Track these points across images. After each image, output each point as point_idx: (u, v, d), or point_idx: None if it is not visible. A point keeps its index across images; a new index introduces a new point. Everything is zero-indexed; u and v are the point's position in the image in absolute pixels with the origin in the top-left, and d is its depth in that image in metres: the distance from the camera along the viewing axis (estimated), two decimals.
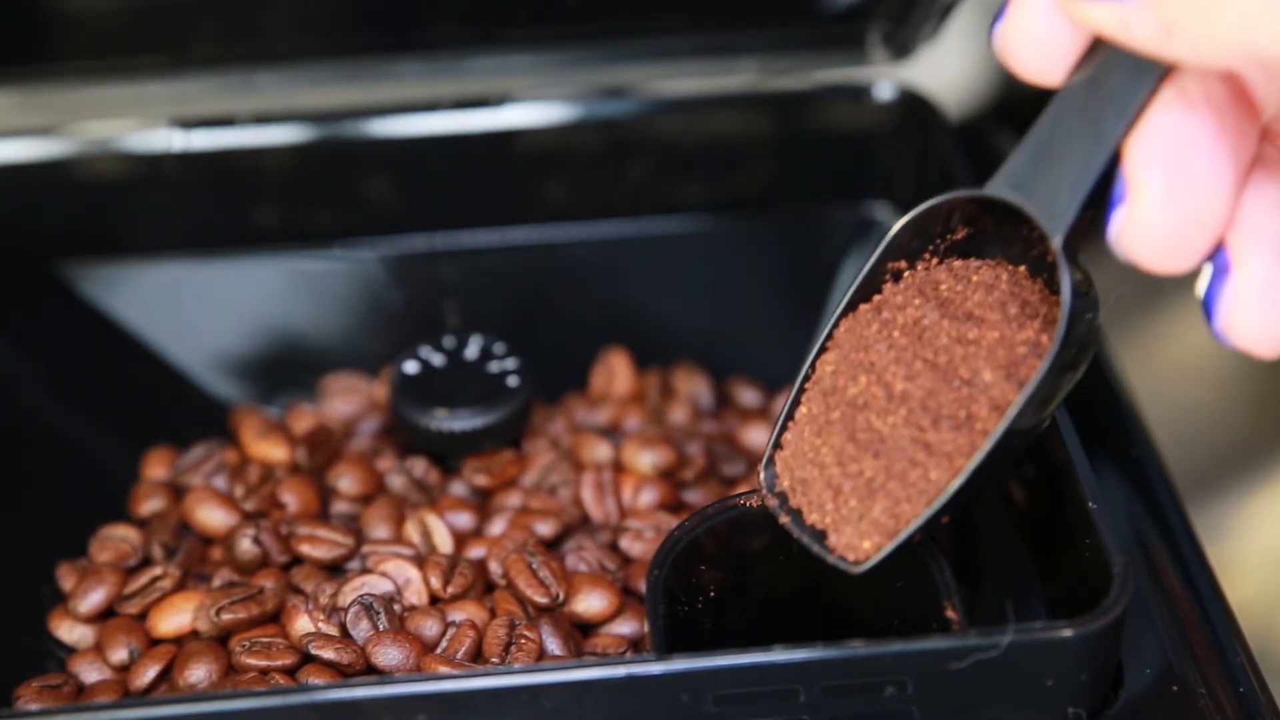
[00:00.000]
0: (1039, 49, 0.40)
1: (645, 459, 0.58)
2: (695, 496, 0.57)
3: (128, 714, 0.44)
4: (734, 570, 0.49)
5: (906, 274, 0.47)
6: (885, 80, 0.65)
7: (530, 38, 0.64)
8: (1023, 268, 0.46)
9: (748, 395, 0.62)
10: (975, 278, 0.46)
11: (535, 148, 0.65)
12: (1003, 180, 0.43)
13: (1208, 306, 0.40)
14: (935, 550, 0.47)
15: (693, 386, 0.63)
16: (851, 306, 0.47)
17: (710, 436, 0.60)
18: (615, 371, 0.62)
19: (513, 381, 0.58)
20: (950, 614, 0.46)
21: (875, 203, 0.66)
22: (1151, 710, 0.46)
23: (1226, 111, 0.39)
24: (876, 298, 0.47)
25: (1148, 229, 0.39)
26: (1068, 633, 0.43)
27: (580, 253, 0.66)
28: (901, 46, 0.64)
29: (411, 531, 0.55)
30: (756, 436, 0.60)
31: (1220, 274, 0.40)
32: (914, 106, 0.64)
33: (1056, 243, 0.42)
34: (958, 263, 0.47)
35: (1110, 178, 0.41)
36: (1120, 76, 0.40)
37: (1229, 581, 0.50)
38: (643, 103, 0.66)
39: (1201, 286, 0.40)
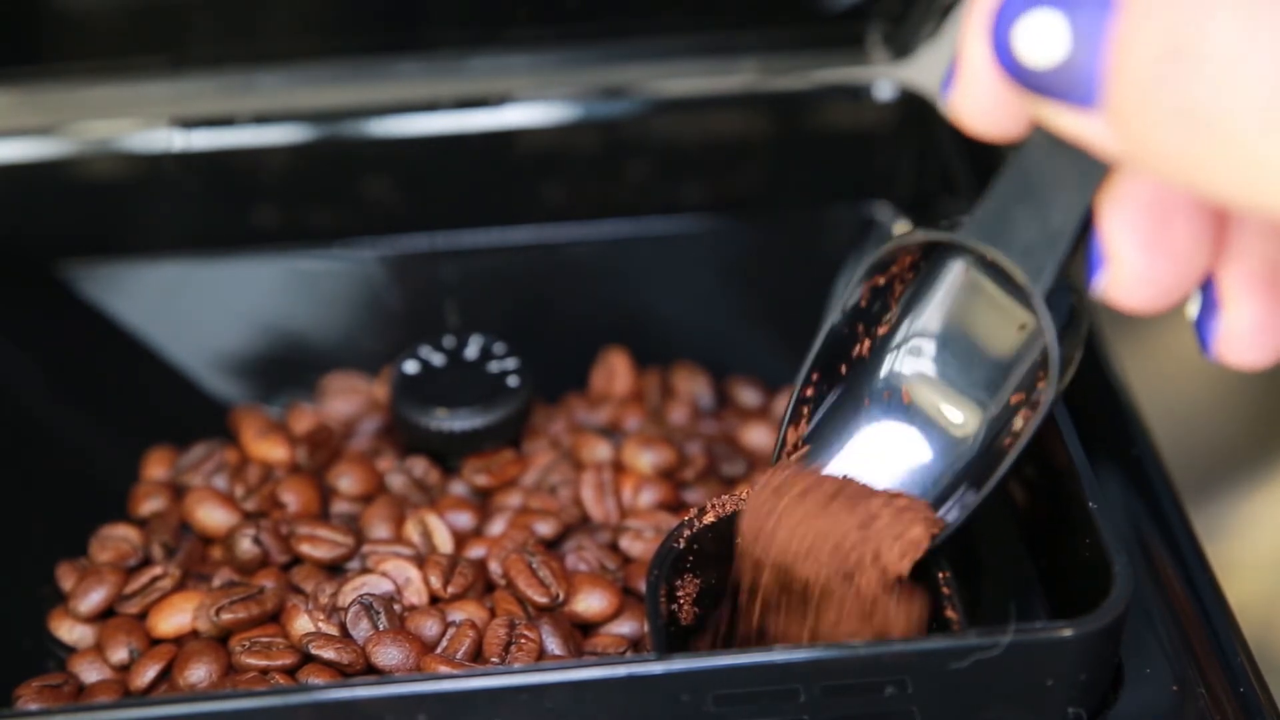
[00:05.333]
0: (992, 118, 0.38)
1: (645, 459, 0.58)
2: (695, 496, 0.57)
3: (128, 714, 0.44)
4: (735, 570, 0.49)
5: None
6: (885, 80, 0.65)
7: (530, 38, 0.64)
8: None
9: (748, 395, 0.62)
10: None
11: (535, 148, 0.65)
12: (977, 227, 0.42)
13: (1201, 335, 0.40)
14: (935, 550, 0.47)
15: (693, 386, 0.63)
16: (845, 311, 0.47)
17: (710, 436, 0.60)
18: (615, 371, 0.62)
19: (513, 381, 0.58)
20: (950, 614, 0.46)
21: (875, 203, 0.66)
22: (1151, 710, 0.46)
23: None
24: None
25: (1130, 291, 0.38)
26: (1068, 633, 0.43)
27: (580, 253, 0.66)
28: (901, 46, 0.64)
29: (412, 531, 0.55)
30: (757, 436, 0.60)
31: (1211, 308, 0.39)
32: (914, 106, 0.64)
33: (1038, 299, 0.42)
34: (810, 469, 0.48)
35: (1088, 226, 0.40)
36: None
37: (1229, 581, 0.50)
38: (643, 103, 0.66)
39: (1192, 312, 0.40)
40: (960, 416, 0.48)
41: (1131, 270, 0.38)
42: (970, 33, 0.37)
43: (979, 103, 0.38)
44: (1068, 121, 0.36)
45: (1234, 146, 0.33)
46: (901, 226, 0.65)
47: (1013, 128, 0.39)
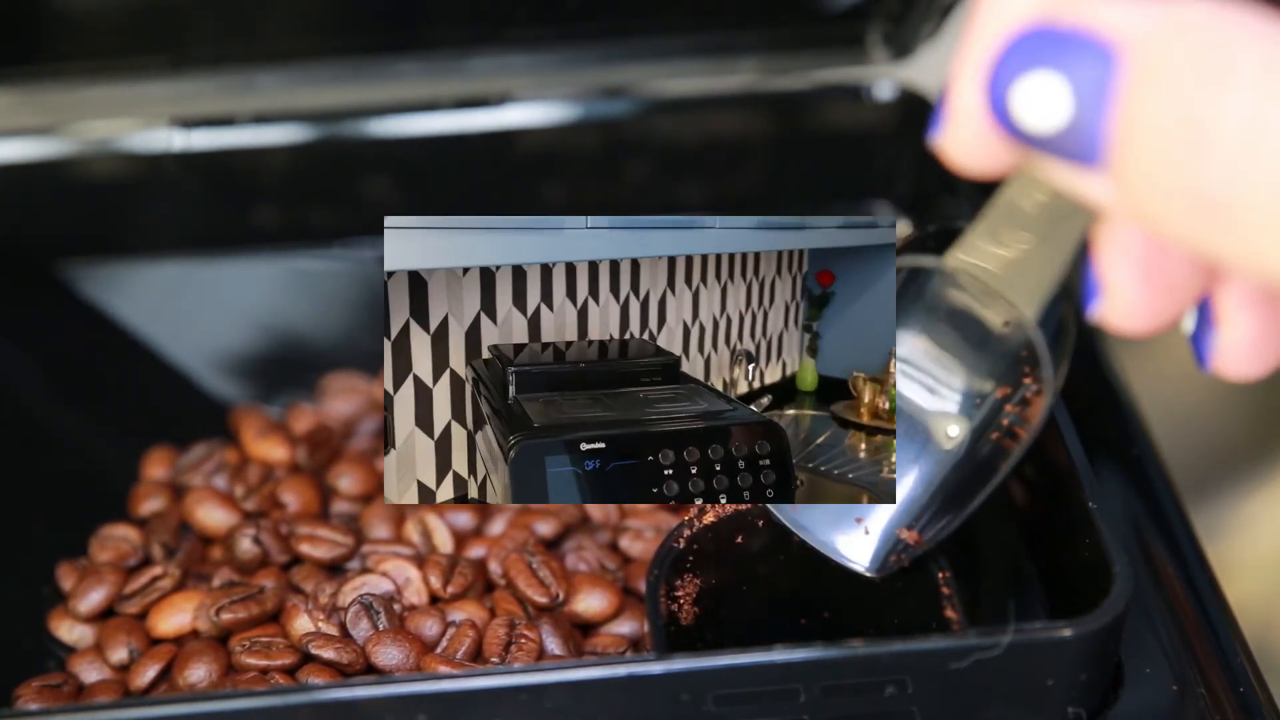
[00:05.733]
0: (983, 162, 0.37)
1: None
2: None
3: (128, 714, 0.44)
4: (734, 570, 0.49)
5: None
6: (885, 80, 0.65)
7: (530, 38, 0.64)
8: None
9: None
10: None
11: (535, 148, 0.65)
12: (970, 253, 0.42)
13: (1197, 350, 0.39)
14: (935, 550, 0.47)
15: None
16: None
17: None
18: None
19: None
20: (950, 614, 0.46)
21: (875, 203, 0.66)
22: (1151, 710, 0.46)
23: None
24: None
25: (1127, 318, 0.38)
26: (1068, 633, 0.43)
27: None
28: (901, 46, 0.64)
29: (411, 531, 0.55)
30: None
31: (1206, 325, 0.38)
32: (914, 106, 0.64)
33: (1034, 327, 0.41)
34: None
35: (1083, 252, 0.39)
36: None
37: (1229, 581, 0.50)
38: (643, 103, 0.66)
39: (1188, 327, 0.39)
40: (947, 413, 0.48)
41: (1128, 300, 0.37)
42: (961, 78, 0.36)
43: (969, 147, 0.37)
44: (1067, 178, 0.35)
45: (1243, 225, 0.32)
46: (902, 227, 0.65)
47: (1005, 170, 0.38)
